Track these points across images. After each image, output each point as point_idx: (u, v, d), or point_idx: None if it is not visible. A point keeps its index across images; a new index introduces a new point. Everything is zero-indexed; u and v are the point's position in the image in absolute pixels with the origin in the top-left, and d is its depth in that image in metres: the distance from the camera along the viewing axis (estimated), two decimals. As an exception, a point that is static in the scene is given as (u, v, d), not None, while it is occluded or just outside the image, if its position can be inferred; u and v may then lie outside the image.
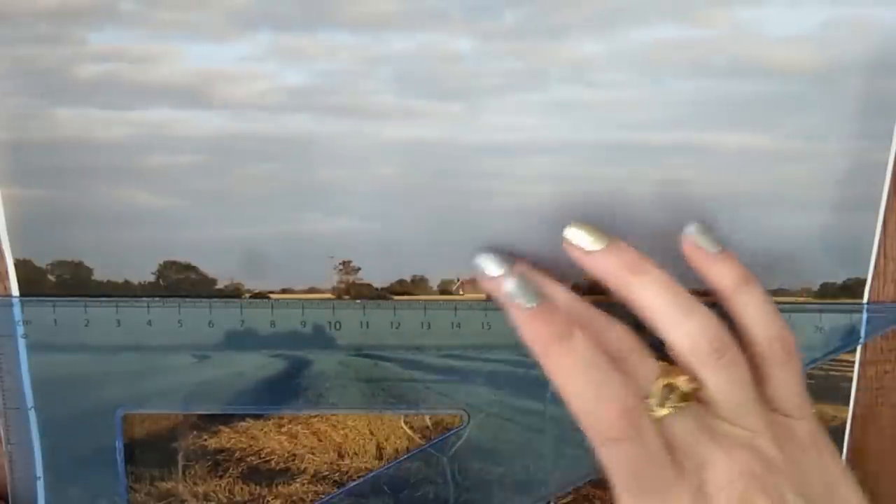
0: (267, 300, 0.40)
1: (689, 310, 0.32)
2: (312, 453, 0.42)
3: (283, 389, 0.40)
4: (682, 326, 0.32)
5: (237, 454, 0.42)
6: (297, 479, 0.42)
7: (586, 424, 0.31)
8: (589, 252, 0.34)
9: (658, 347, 0.34)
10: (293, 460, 0.41)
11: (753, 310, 0.34)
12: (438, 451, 0.41)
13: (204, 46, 0.35)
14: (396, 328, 0.40)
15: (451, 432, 0.40)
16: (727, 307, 0.34)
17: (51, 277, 0.39)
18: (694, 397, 0.33)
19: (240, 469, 0.42)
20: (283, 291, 0.40)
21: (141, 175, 0.37)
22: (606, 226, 0.36)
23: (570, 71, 0.36)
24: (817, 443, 0.35)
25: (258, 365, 0.40)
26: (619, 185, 0.38)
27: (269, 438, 0.42)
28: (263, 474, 0.42)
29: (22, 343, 0.40)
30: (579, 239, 0.34)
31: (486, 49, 0.35)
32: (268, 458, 0.42)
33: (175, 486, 0.42)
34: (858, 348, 0.41)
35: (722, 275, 0.34)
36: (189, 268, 0.39)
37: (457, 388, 0.40)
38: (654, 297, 0.33)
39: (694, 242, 0.35)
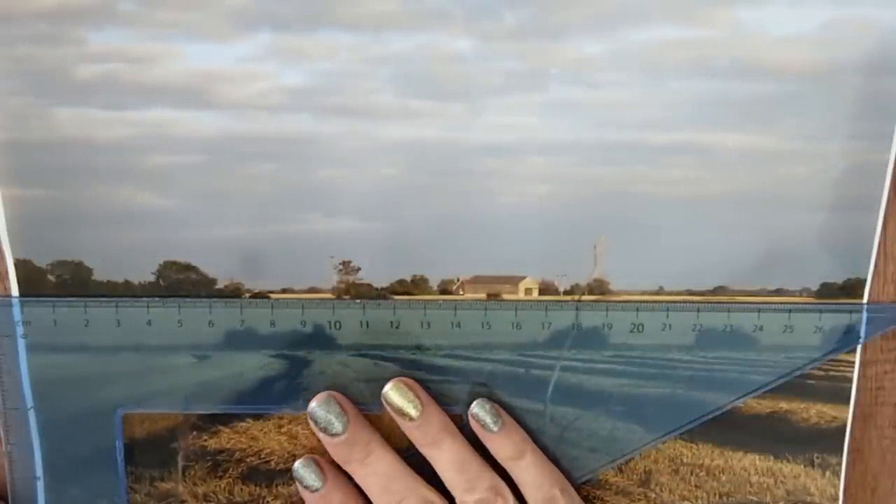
0: (267, 300, 0.40)
1: (471, 487, 0.38)
2: (312, 453, 0.42)
3: (283, 389, 0.40)
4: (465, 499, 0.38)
5: (237, 454, 0.42)
6: (297, 480, 0.42)
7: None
8: (403, 417, 0.38)
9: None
10: (293, 460, 0.41)
11: (528, 476, 0.39)
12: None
13: (204, 46, 0.35)
14: (396, 328, 0.40)
15: (451, 432, 0.39)
16: (509, 473, 0.39)
17: (51, 277, 0.39)
18: None
19: (240, 469, 0.42)
20: (283, 291, 0.40)
21: (141, 175, 0.37)
22: (607, 226, 0.36)
23: (570, 71, 0.36)
24: None
25: (258, 365, 0.40)
26: (619, 185, 0.38)
27: (269, 438, 0.42)
28: (263, 474, 0.42)
29: (22, 343, 0.40)
30: (398, 402, 0.39)
31: (486, 49, 0.35)
32: (268, 459, 0.42)
33: (175, 487, 0.42)
34: (858, 348, 0.41)
35: (501, 447, 0.39)
36: (189, 268, 0.39)
37: (457, 388, 0.40)
38: (445, 468, 0.38)
39: (477, 419, 0.39)
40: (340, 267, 0.39)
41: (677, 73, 0.36)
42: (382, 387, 0.40)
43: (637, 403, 0.40)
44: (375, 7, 0.35)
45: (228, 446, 0.42)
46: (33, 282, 0.39)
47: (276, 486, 0.42)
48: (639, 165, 0.37)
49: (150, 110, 0.36)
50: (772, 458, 0.42)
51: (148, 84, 0.36)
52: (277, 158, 0.37)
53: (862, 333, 0.40)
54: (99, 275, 0.39)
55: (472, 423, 0.39)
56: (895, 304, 0.40)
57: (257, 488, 0.42)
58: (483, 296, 0.40)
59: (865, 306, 0.40)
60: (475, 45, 0.35)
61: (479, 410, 0.39)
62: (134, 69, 0.35)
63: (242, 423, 0.41)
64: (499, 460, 0.39)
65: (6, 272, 0.39)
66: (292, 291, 0.40)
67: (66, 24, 0.35)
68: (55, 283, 0.39)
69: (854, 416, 0.42)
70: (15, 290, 0.39)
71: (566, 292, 0.39)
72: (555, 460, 0.40)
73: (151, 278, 0.39)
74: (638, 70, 0.36)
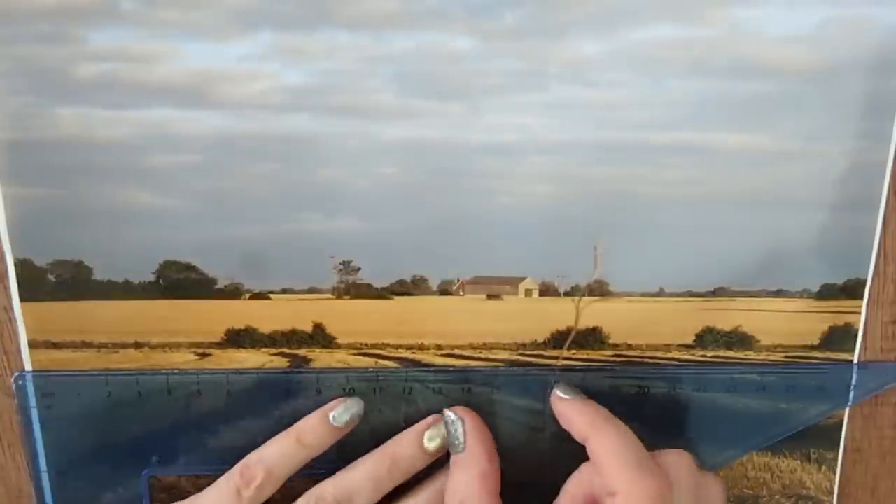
0: (267, 300, 0.40)
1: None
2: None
3: (283, 389, 0.40)
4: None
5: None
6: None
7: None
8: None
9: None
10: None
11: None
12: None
13: (204, 46, 0.35)
14: (396, 328, 0.40)
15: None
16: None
17: (51, 277, 0.39)
18: None
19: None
20: (283, 291, 0.40)
21: (141, 175, 0.37)
22: (607, 226, 0.36)
23: (570, 71, 0.36)
24: None
25: (258, 364, 0.40)
26: (619, 185, 0.38)
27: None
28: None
29: (40, 415, 0.40)
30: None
31: (486, 49, 0.36)
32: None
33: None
34: (857, 349, 0.41)
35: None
36: (189, 268, 0.39)
37: (457, 388, 0.40)
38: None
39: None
40: (340, 267, 0.39)
41: (677, 72, 0.36)
42: (382, 387, 0.40)
43: (637, 403, 0.40)
44: (376, 7, 0.35)
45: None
46: (33, 282, 0.39)
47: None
48: (639, 165, 0.37)
49: (151, 110, 0.36)
50: (769, 452, 0.42)
51: (149, 83, 0.36)
52: (278, 158, 0.37)
53: (851, 396, 0.41)
54: (99, 274, 0.39)
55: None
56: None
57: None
58: (483, 296, 0.40)
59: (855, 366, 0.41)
60: (475, 45, 0.35)
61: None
62: (135, 68, 0.35)
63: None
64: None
65: (6, 272, 0.39)
66: (292, 291, 0.40)
67: (66, 24, 0.35)
68: (55, 282, 0.39)
69: (853, 417, 0.42)
70: (15, 290, 0.39)
71: (566, 293, 0.40)
72: (555, 460, 0.40)
73: (151, 278, 0.39)
74: (637, 70, 0.36)
